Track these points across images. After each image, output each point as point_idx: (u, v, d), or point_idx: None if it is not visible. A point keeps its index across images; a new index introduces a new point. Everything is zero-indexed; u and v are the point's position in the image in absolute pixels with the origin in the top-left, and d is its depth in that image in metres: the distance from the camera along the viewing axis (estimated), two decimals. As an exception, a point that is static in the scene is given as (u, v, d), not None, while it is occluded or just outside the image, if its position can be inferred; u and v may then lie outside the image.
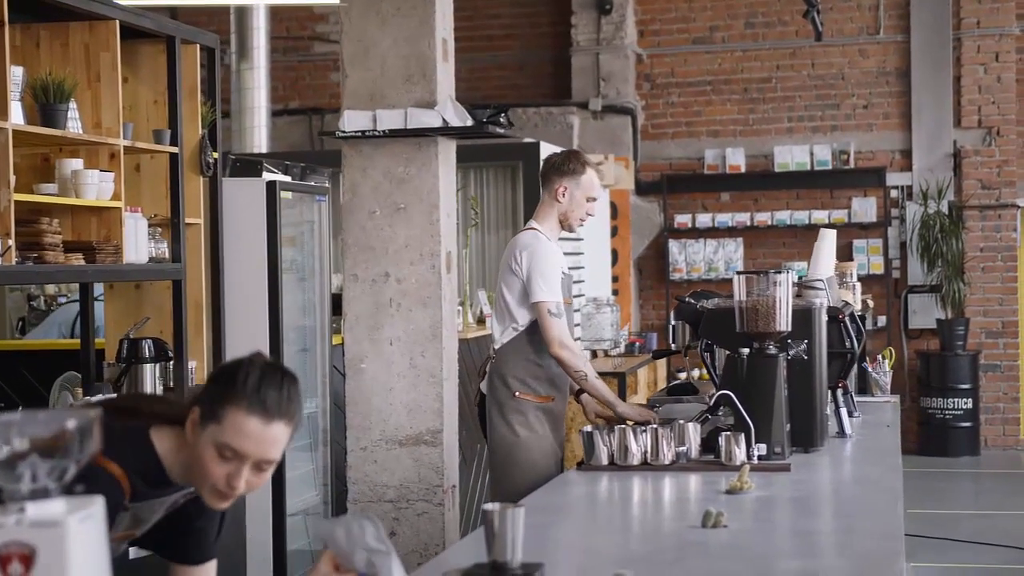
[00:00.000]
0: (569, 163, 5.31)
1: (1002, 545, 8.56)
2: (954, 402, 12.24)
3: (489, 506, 2.74)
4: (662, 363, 11.36)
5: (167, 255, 5.58)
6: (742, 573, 2.88)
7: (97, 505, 1.78)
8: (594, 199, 5.33)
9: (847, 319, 5.04)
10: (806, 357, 4.51)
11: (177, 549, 2.88)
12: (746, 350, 4.40)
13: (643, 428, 4.30)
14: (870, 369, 6.39)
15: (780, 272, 4.41)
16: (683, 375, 12.22)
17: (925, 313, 12.59)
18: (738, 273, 4.46)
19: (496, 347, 5.30)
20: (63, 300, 8.40)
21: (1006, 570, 8.05)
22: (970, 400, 12.26)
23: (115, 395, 4.75)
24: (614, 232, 12.42)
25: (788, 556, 3.09)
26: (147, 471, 2.64)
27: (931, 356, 12.40)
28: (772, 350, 4.40)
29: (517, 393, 5.19)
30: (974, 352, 12.39)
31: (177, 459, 2.66)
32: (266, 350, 6.31)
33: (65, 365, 5.91)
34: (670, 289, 12.71)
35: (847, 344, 5.01)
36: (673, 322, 5.12)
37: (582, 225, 5.41)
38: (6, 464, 1.75)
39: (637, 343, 11.23)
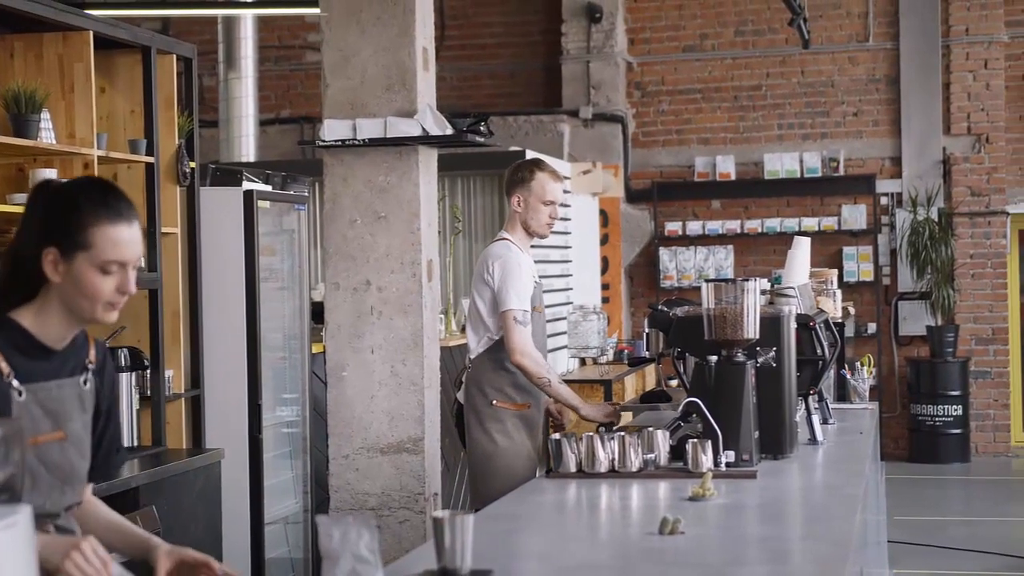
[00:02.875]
0: (518, 172, 5.39)
1: (991, 552, 8.57)
2: (944, 409, 12.24)
3: (438, 514, 2.76)
4: (651, 370, 11.36)
5: (143, 264, 5.60)
6: (690, 580, 2.90)
7: (23, 513, 1.80)
8: (551, 202, 5.36)
9: (819, 326, 5.05)
10: (775, 364, 4.52)
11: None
12: (714, 357, 4.41)
13: (611, 435, 4.31)
14: (848, 376, 6.39)
15: (748, 280, 4.42)
16: (674, 382, 12.23)
17: (915, 320, 12.60)
18: (706, 281, 4.47)
19: (472, 356, 5.36)
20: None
21: (981, 577, 8.06)
22: (960, 407, 12.27)
23: None
24: (604, 240, 12.45)
25: (738, 562, 3.10)
26: (19, 344, 2.71)
27: (921, 363, 12.41)
28: (740, 357, 4.41)
29: (494, 402, 5.25)
30: (964, 359, 12.40)
31: (46, 323, 2.73)
32: (244, 358, 6.34)
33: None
34: (660, 297, 12.71)
35: (818, 351, 5.02)
36: (647, 330, 5.13)
37: (551, 229, 5.43)
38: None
39: (626, 351, 11.24)
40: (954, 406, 12.24)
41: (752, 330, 4.39)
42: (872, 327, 12.55)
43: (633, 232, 13.01)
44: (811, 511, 3.78)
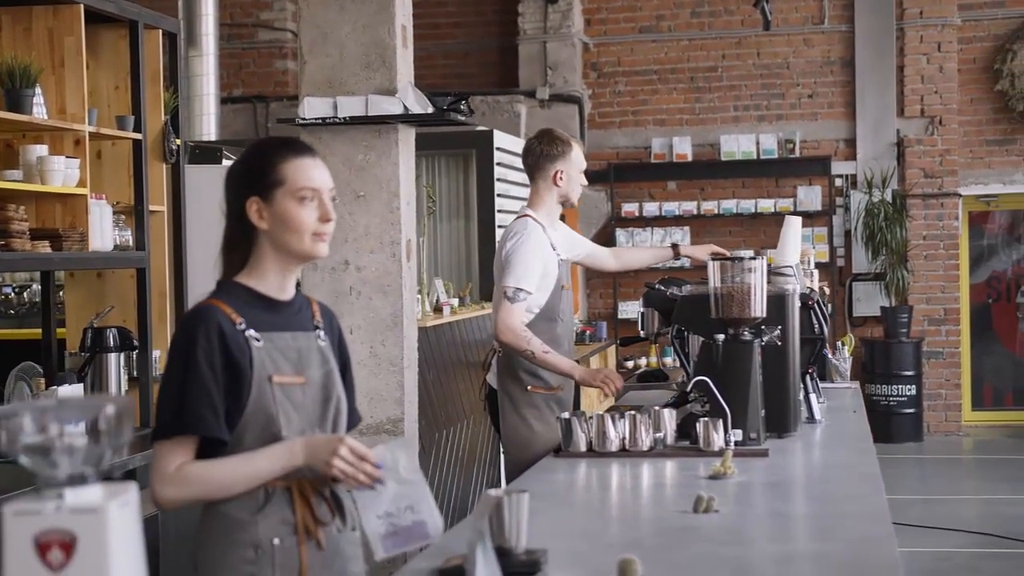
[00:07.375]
0: (556, 146, 5.34)
1: (945, 528, 8.68)
2: (898, 389, 12.38)
3: (494, 492, 2.73)
4: (611, 351, 11.39)
5: (131, 243, 5.51)
6: (746, 556, 2.89)
7: (132, 492, 1.75)
8: (583, 170, 5.45)
9: (816, 304, 5.07)
10: (779, 343, 4.52)
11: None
12: (721, 336, 4.40)
13: (621, 415, 4.29)
14: (830, 356, 6.43)
15: (755, 258, 4.42)
16: (630, 363, 12.27)
17: (869, 301, 12.72)
18: (713, 259, 4.47)
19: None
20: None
21: (949, 553, 8.15)
22: (913, 387, 12.41)
23: None
24: (561, 220, 12.42)
25: (782, 539, 3.10)
26: (248, 299, 2.87)
27: (875, 343, 12.53)
28: (747, 336, 4.41)
29: (529, 387, 5.15)
30: (917, 339, 12.54)
31: (264, 275, 2.89)
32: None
33: (24, 355, 5.81)
34: (618, 279, 12.75)
35: (816, 329, 5.04)
36: (642, 309, 5.11)
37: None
38: (43, 450, 1.72)
39: (587, 332, 11.27)
40: (907, 386, 12.38)
41: (759, 308, 4.39)
42: (828, 308, 12.63)
43: (590, 213, 13.02)
44: (836, 489, 3.76)
